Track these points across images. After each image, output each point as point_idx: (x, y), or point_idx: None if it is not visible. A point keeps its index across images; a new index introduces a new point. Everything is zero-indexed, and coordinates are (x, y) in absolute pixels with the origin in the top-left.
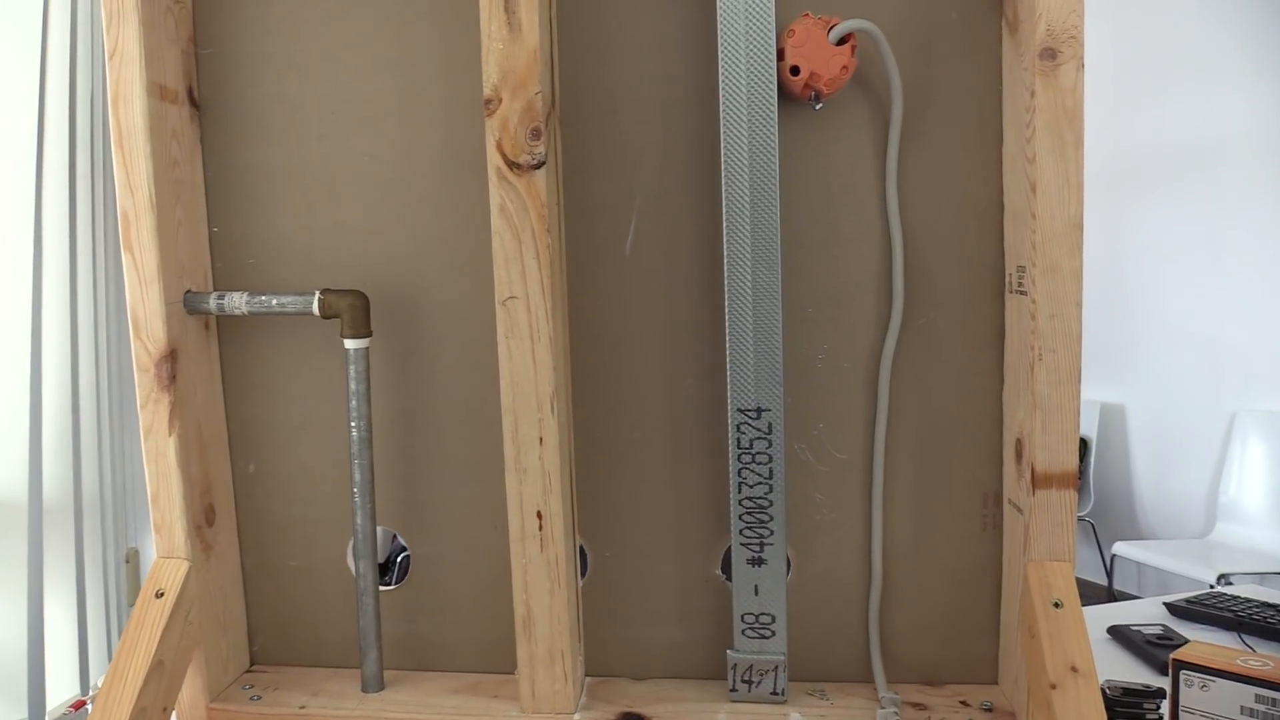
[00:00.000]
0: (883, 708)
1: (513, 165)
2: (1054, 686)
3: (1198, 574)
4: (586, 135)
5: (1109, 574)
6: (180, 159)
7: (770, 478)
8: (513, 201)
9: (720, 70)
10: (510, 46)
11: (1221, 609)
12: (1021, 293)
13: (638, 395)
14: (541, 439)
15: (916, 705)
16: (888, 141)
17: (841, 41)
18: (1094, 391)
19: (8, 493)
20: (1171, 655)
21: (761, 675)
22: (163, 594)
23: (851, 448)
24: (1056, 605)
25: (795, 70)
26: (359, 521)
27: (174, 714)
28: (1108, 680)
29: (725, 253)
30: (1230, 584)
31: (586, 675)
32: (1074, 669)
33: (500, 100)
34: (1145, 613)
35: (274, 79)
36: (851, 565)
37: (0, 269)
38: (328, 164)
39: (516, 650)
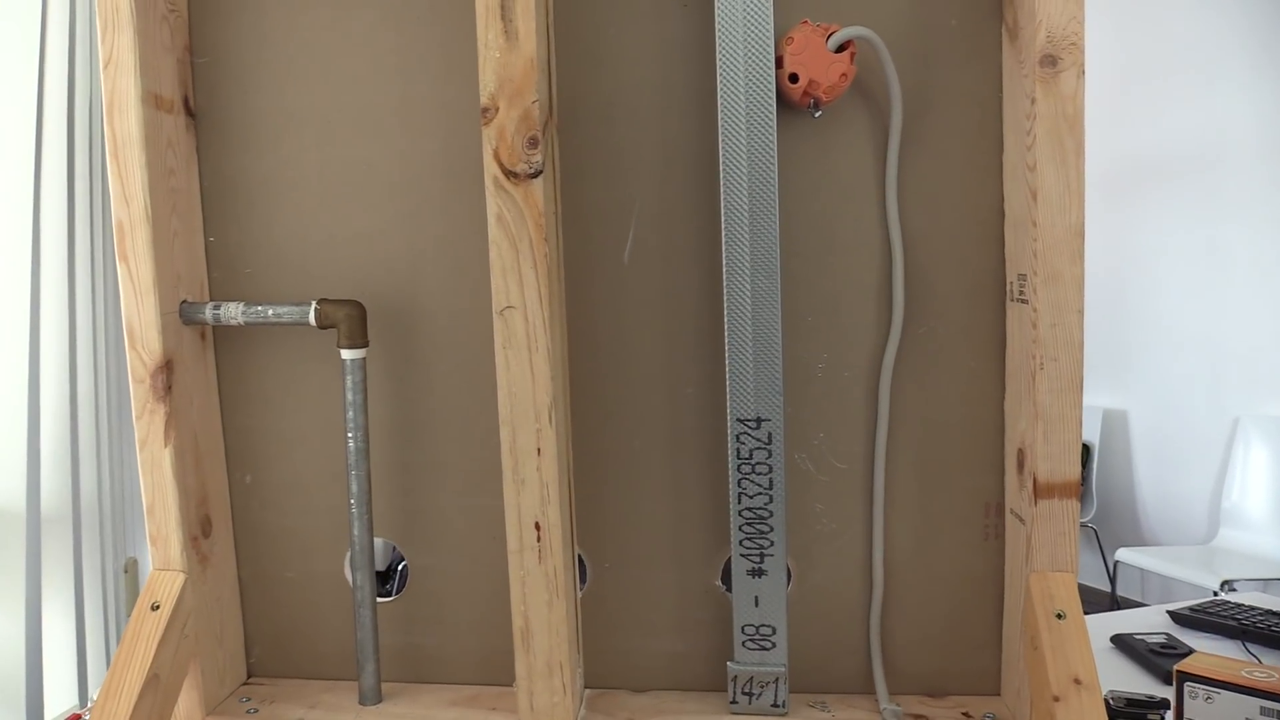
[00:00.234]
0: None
1: (510, 174)
2: (1057, 699)
3: (1201, 580)
4: (584, 143)
5: (1112, 580)
6: (176, 168)
7: (770, 488)
8: (510, 211)
9: (719, 78)
10: (507, 55)
11: (1225, 617)
12: (1023, 301)
13: (636, 405)
14: (539, 450)
15: (918, 717)
16: (887, 149)
17: (840, 49)
18: (1096, 397)
19: (6, 502)
20: (1176, 667)
21: (762, 687)
22: (158, 606)
23: (852, 457)
24: (1059, 616)
25: (794, 78)
26: (356, 533)
27: None
28: (1111, 691)
29: (724, 261)
30: (1234, 590)
31: (586, 687)
32: (1077, 681)
33: (497, 109)
34: (1149, 621)
35: (270, 88)
36: (852, 576)
37: None
38: (324, 173)
39: (515, 662)
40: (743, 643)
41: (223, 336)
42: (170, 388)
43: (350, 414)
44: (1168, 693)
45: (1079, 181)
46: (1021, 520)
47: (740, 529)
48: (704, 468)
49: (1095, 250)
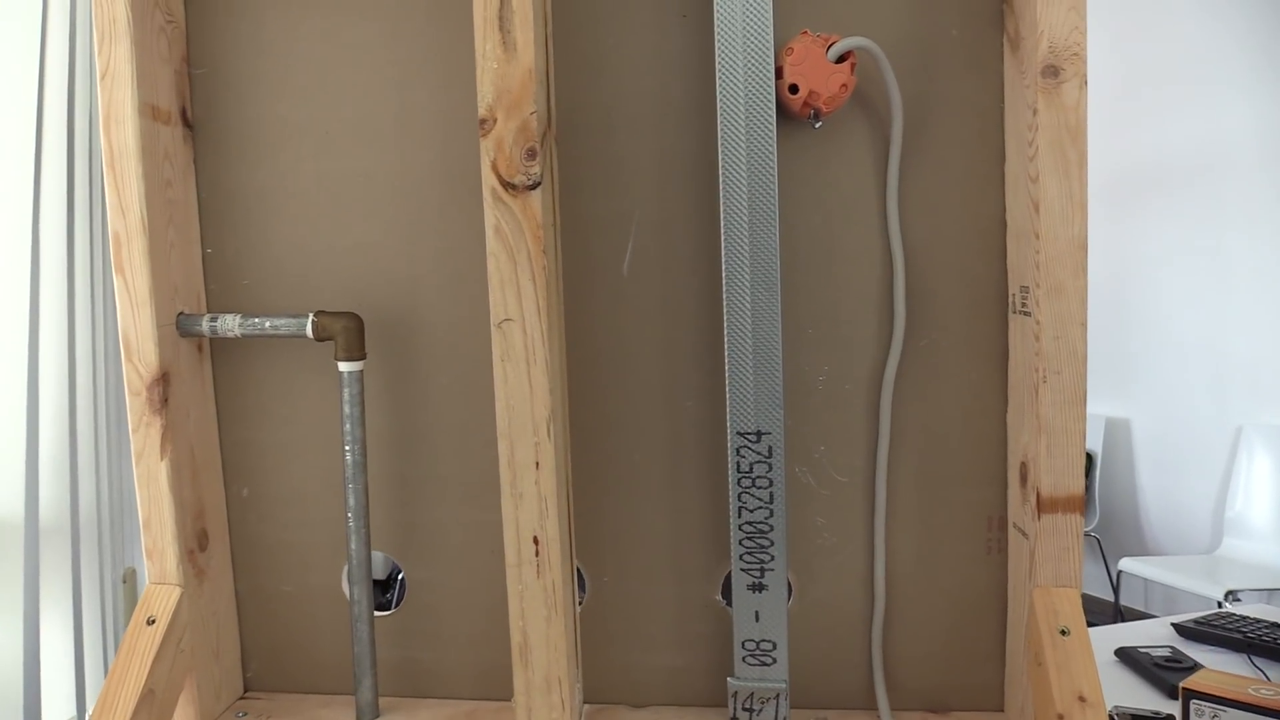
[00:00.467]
0: None
1: (508, 186)
2: (1061, 716)
3: (1205, 590)
4: (583, 154)
5: (1115, 590)
6: (173, 180)
7: (771, 502)
8: (508, 223)
9: (718, 88)
10: (505, 66)
11: (1231, 630)
12: (1025, 313)
13: (636, 417)
14: (538, 463)
15: None
16: (888, 159)
17: (841, 59)
18: (1099, 406)
19: (4, 512)
20: (1182, 684)
21: (763, 703)
22: (154, 621)
23: (853, 470)
24: (1063, 633)
25: (794, 88)
26: (353, 547)
27: None
28: (1116, 706)
29: (724, 273)
30: (1238, 600)
31: (585, 702)
32: (1081, 699)
33: (495, 120)
34: (1153, 634)
35: (268, 99)
36: (854, 590)
37: None
38: (322, 184)
39: (513, 678)
40: (743, 658)
41: (220, 348)
42: (167, 400)
43: (348, 427)
44: (1173, 708)
45: (1082, 193)
46: (1025, 534)
47: (740, 543)
48: (704, 481)
49: (1097, 258)
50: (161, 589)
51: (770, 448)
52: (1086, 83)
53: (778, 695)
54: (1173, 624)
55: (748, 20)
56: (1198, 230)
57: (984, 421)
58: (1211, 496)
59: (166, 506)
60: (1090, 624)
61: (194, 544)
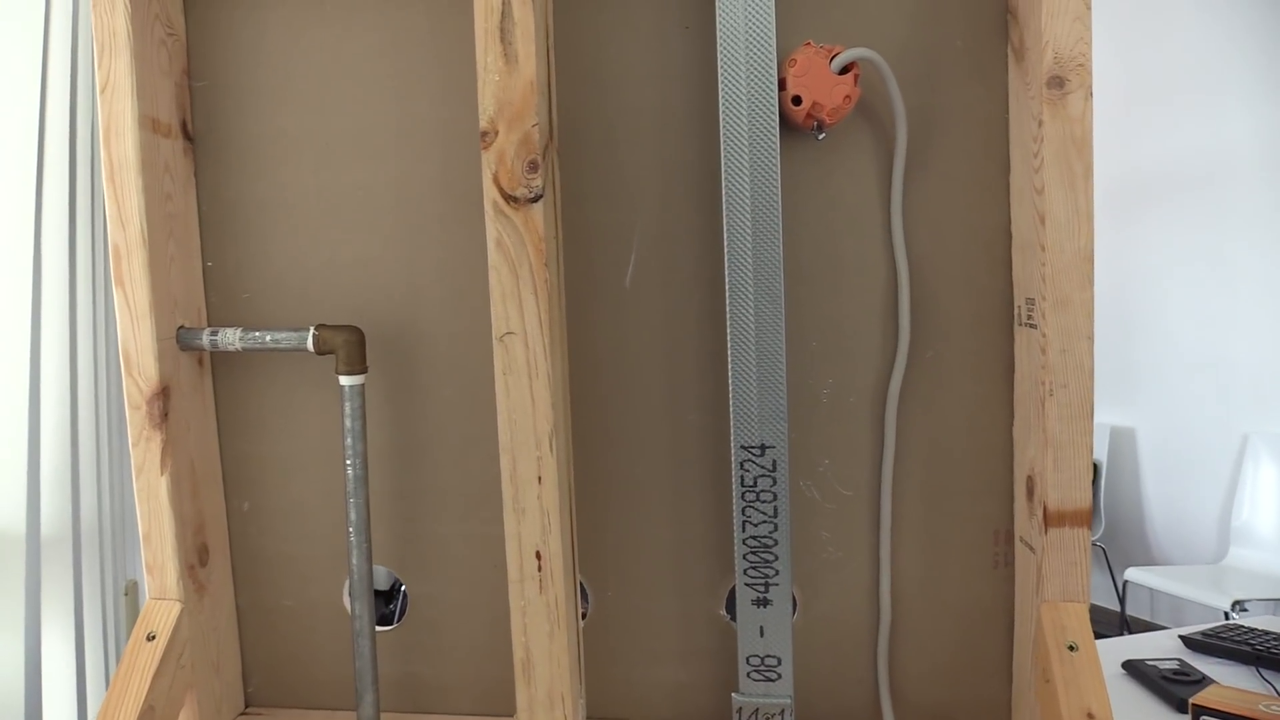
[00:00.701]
0: None
1: (510, 199)
2: None
3: (1212, 601)
4: (585, 166)
5: (1121, 600)
6: (173, 193)
7: (775, 516)
8: (510, 236)
9: (721, 100)
10: (506, 78)
11: (1239, 642)
12: (1031, 326)
13: (639, 431)
14: (540, 478)
15: None
16: (892, 171)
17: (844, 70)
18: (1104, 415)
19: (5, 524)
20: (1192, 700)
21: (767, 719)
22: (154, 637)
23: (858, 484)
24: (1071, 648)
25: (797, 100)
26: (355, 561)
27: None
28: None
29: (727, 285)
30: (1245, 610)
31: (588, 718)
32: (1090, 716)
33: (497, 133)
34: (1161, 646)
35: (269, 111)
36: (859, 605)
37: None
38: (323, 197)
39: (516, 693)
40: (747, 673)
41: (220, 362)
42: (167, 414)
43: (349, 441)
44: None
45: (1088, 205)
46: (1032, 549)
47: (744, 558)
48: (707, 494)
49: (1101, 267)
50: (162, 604)
51: (774, 461)
52: (1092, 94)
53: (782, 711)
54: (1180, 636)
55: (750, 31)
56: (1202, 239)
57: (989, 434)
58: (1217, 506)
59: (167, 521)
60: (1096, 634)
61: (194, 559)
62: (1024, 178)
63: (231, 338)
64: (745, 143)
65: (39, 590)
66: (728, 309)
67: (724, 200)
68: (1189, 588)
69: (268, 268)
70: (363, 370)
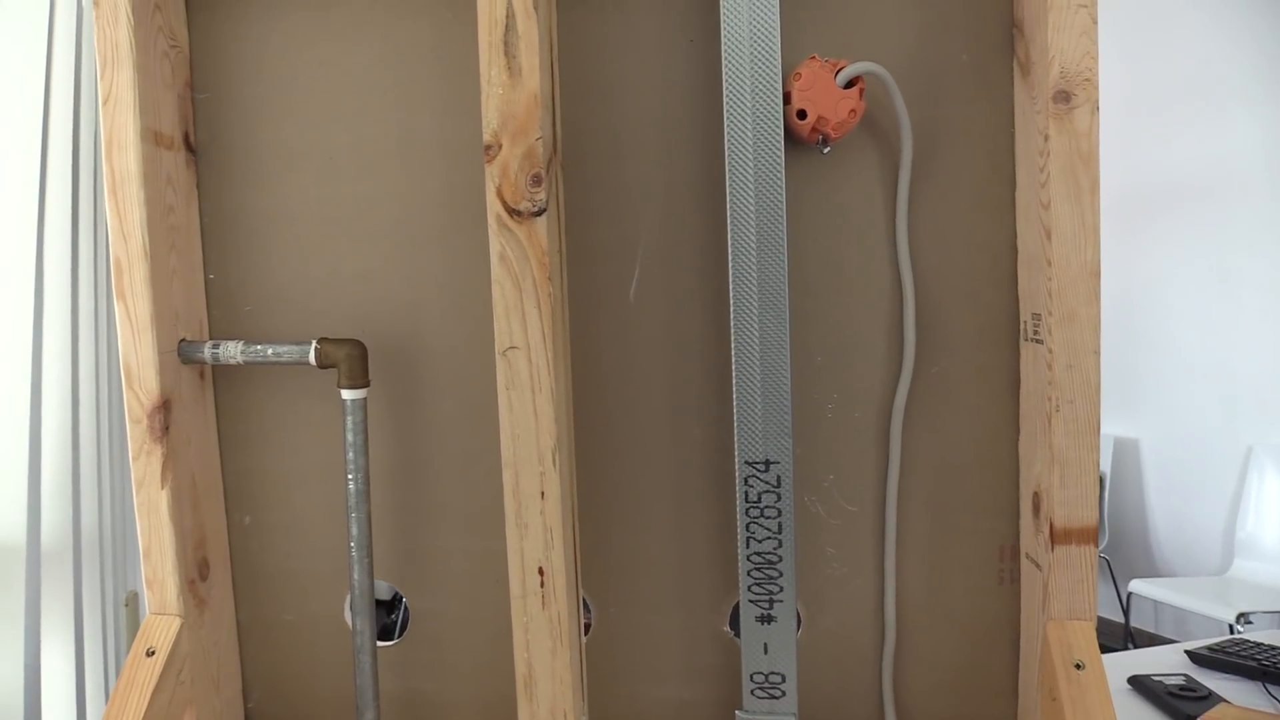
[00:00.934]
0: None
1: (513, 212)
2: None
3: (1217, 613)
4: (589, 179)
5: (1125, 612)
6: (175, 205)
7: (779, 532)
8: (513, 249)
9: (725, 114)
10: (510, 92)
11: (1245, 658)
12: (1037, 341)
13: (642, 446)
14: (543, 493)
15: None
16: (897, 185)
17: (849, 84)
18: (1108, 425)
19: (6, 535)
20: (1200, 718)
21: None
22: (154, 652)
23: (863, 500)
24: (1078, 667)
25: (802, 114)
26: (356, 577)
27: None
28: None
29: (732, 300)
30: (1250, 623)
31: None
32: None
33: (500, 146)
34: (1166, 661)
35: (271, 123)
36: (864, 621)
37: (1, 311)
38: (326, 210)
39: (518, 710)
40: (751, 690)
41: (222, 375)
42: (168, 428)
43: (350, 455)
44: None
45: (1094, 219)
46: (1038, 566)
47: (749, 574)
48: (711, 510)
49: (1105, 277)
50: (161, 619)
51: (779, 477)
52: (1098, 108)
53: None
54: (1186, 651)
55: (755, 45)
56: (1206, 249)
57: (995, 450)
58: (1222, 517)
59: (167, 535)
60: (1101, 648)
61: (195, 573)
62: (1030, 192)
63: (233, 351)
64: (750, 156)
65: (39, 600)
66: (732, 323)
67: (729, 214)
68: (1194, 600)
69: (270, 280)
70: (365, 384)
